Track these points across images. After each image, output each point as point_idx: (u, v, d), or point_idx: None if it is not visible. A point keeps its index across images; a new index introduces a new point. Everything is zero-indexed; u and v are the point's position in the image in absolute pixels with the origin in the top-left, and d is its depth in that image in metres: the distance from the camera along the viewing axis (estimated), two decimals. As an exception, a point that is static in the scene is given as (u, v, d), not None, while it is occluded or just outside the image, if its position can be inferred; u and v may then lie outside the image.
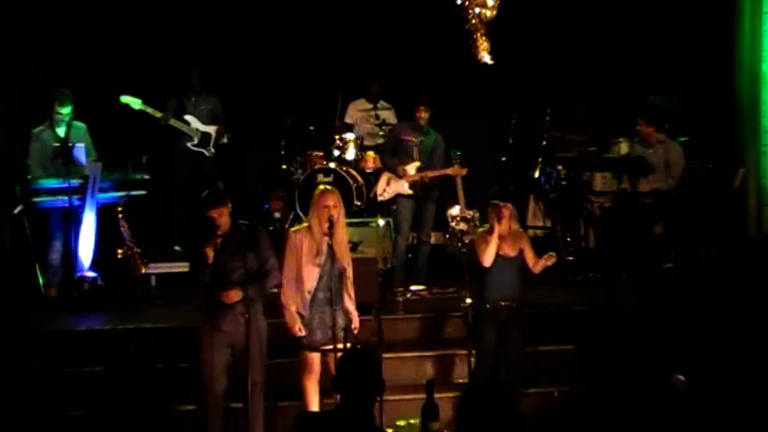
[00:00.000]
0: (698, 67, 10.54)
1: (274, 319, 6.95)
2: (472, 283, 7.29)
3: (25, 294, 8.82)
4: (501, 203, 7.17)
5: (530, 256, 7.29)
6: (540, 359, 7.73)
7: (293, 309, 6.75)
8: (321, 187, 7.11)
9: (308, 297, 6.73)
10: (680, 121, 10.26)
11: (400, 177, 9.21)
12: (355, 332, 6.89)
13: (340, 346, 6.61)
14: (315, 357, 6.81)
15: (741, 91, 9.74)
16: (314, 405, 6.82)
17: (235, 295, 6.49)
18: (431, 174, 9.15)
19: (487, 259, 7.14)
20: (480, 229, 7.37)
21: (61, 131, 8.94)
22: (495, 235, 7.13)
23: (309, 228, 6.83)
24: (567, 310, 8.30)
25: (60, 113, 8.89)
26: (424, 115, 9.12)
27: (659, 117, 9.73)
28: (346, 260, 6.86)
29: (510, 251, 7.21)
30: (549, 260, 7.24)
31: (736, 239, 9.43)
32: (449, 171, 9.15)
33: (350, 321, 6.87)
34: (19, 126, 9.68)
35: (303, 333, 6.74)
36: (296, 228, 7.11)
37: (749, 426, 5.60)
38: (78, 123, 9.05)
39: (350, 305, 6.89)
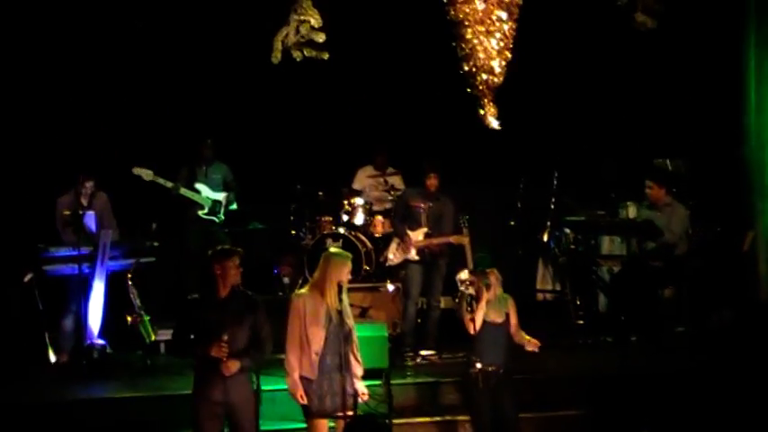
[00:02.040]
0: (704, 131, 10.59)
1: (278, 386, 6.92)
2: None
3: (34, 363, 8.80)
4: (487, 270, 7.20)
5: (514, 322, 7.33)
6: (551, 424, 7.69)
7: (296, 375, 6.68)
8: (338, 251, 7.14)
9: (316, 359, 6.69)
10: (687, 184, 10.28)
11: (407, 245, 9.23)
12: (365, 398, 6.85)
13: (350, 413, 6.56)
14: (323, 424, 6.75)
15: (749, 154, 9.76)
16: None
17: (234, 366, 6.44)
18: (435, 241, 9.16)
19: (475, 326, 7.16)
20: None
21: (85, 201, 9.11)
22: (483, 302, 7.17)
23: (315, 289, 6.80)
24: (577, 374, 8.25)
25: (85, 186, 9.08)
26: (434, 182, 9.17)
27: (668, 179, 9.74)
28: (351, 323, 6.86)
29: (496, 318, 7.26)
30: (532, 346, 7.22)
31: (747, 303, 9.38)
32: (451, 239, 9.16)
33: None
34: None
35: (305, 401, 6.69)
36: (299, 291, 7.09)
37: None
38: (101, 193, 9.27)
39: (357, 370, 6.85)
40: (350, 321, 6.83)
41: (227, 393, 6.44)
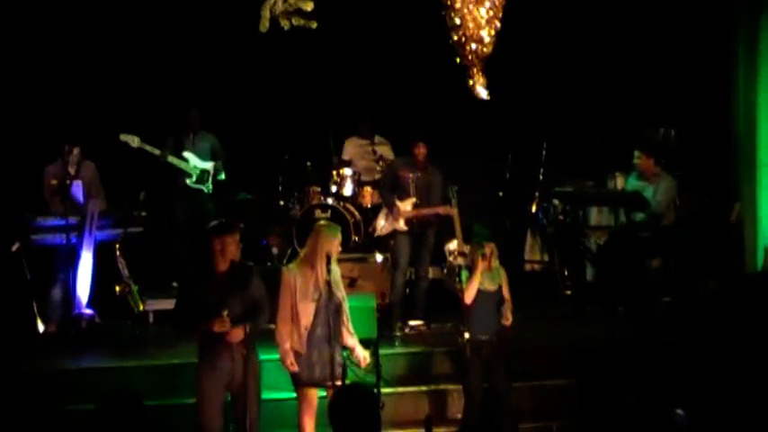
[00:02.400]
0: (693, 102, 10.60)
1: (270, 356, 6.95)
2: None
3: (22, 333, 8.79)
4: (484, 243, 7.24)
5: (506, 295, 7.39)
6: (539, 394, 7.73)
7: (287, 346, 6.73)
8: (328, 224, 7.16)
9: (305, 333, 6.72)
10: (676, 155, 10.30)
11: (395, 216, 9.23)
12: (363, 365, 6.88)
13: (339, 382, 6.60)
14: (313, 394, 6.80)
15: (737, 125, 9.77)
16: (310, 442, 6.79)
17: (238, 335, 6.46)
18: (423, 212, 9.16)
19: (469, 296, 7.20)
20: (464, 272, 7.42)
21: (72, 170, 9.05)
22: (478, 272, 7.21)
23: (306, 262, 6.82)
24: (565, 344, 8.30)
25: (72, 153, 9.04)
26: (422, 151, 9.15)
27: (657, 150, 9.75)
28: (341, 294, 6.87)
29: (490, 286, 7.30)
30: (506, 320, 7.28)
31: (734, 274, 9.43)
32: (439, 210, 9.15)
33: (354, 357, 6.87)
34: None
35: (295, 368, 6.72)
36: (289, 266, 7.10)
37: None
38: (88, 162, 9.23)
39: (350, 340, 6.88)
40: (340, 293, 6.85)
41: (233, 361, 6.46)
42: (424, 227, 9.23)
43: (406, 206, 9.23)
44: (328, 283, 6.70)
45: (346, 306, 6.90)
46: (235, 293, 6.53)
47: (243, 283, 6.59)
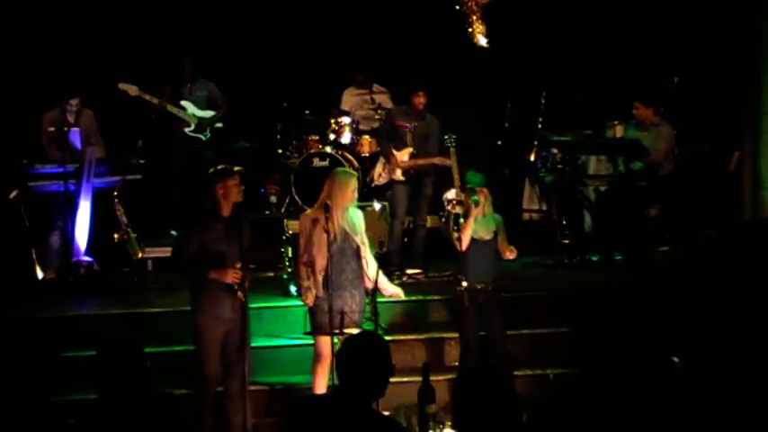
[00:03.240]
0: (692, 51, 10.53)
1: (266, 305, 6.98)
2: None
3: (20, 279, 8.82)
4: (477, 188, 7.23)
5: (501, 239, 7.36)
6: (536, 342, 7.78)
7: (306, 284, 6.77)
8: (344, 170, 7.29)
9: (320, 277, 6.76)
10: (675, 104, 10.26)
11: (392, 166, 9.21)
12: (397, 297, 7.01)
13: (348, 330, 6.61)
14: (325, 341, 6.81)
15: (743, 74, 9.68)
16: (320, 388, 6.84)
17: (246, 279, 6.50)
18: (420, 162, 9.13)
19: (464, 243, 7.20)
20: (461, 220, 7.42)
21: (71, 118, 9.01)
22: (471, 219, 7.21)
23: (321, 208, 6.81)
24: (562, 292, 8.33)
25: (71, 103, 8.97)
26: (422, 100, 9.08)
27: (656, 100, 9.72)
28: (359, 239, 6.88)
29: (485, 235, 7.29)
30: (510, 253, 7.26)
31: (732, 222, 9.44)
32: (435, 160, 9.12)
33: (365, 305, 6.93)
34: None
35: (310, 303, 6.76)
36: (307, 211, 7.12)
37: (744, 409, 5.62)
38: (87, 110, 9.21)
39: (369, 284, 6.91)
40: (358, 238, 6.86)
41: (234, 310, 6.50)
42: (421, 176, 9.21)
43: (402, 156, 9.20)
44: (327, 231, 6.70)
45: (366, 251, 6.92)
46: (236, 241, 6.57)
47: (239, 230, 6.63)
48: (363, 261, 6.92)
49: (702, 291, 7.95)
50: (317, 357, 6.84)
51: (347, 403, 4.38)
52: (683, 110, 10.20)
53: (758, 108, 9.26)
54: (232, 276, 6.46)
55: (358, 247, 6.87)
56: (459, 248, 7.25)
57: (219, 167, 6.78)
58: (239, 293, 6.49)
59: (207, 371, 6.59)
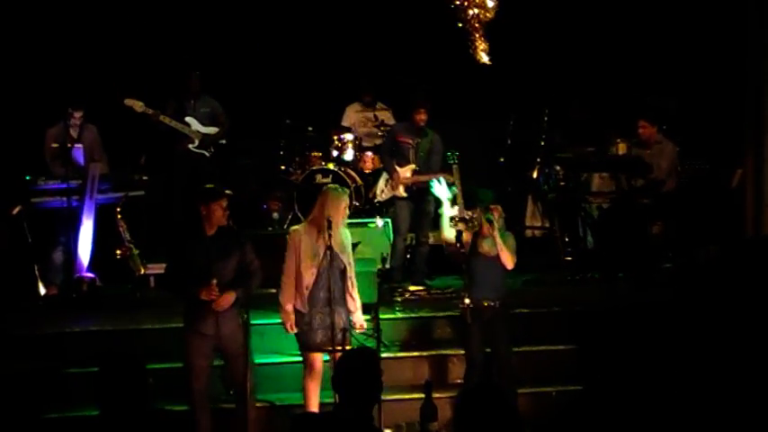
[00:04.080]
0: (694, 69, 10.55)
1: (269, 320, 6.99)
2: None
3: (23, 296, 8.81)
4: (491, 206, 7.21)
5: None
6: (539, 359, 7.76)
7: (289, 308, 6.79)
8: (336, 187, 7.19)
9: (306, 293, 6.76)
10: (677, 122, 10.27)
11: (395, 182, 9.22)
12: (358, 330, 6.91)
13: (340, 348, 6.63)
14: (316, 358, 6.83)
15: (744, 91, 9.69)
16: (314, 406, 6.84)
17: (225, 303, 6.49)
18: (422, 178, 9.13)
19: (507, 261, 7.13)
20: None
21: (74, 133, 9.02)
22: (496, 233, 7.12)
23: (312, 224, 6.82)
24: (565, 310, 8.32)
25: (74, 116, 9.02)
26: (423, 117, 9.09)
27: (659, 117, 9.73)
28: (346, 259, 6.88)
29: (491, 251, 7.21)
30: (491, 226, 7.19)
31: (734, 239, 9.43)
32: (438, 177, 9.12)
33: (352, 321, 6.89)
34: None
35: (293, 331, 6.76)
36: (295, 227, 7.13)
37: (745, 422, 5.61)
38: (90, 125, 9.25)
39: (351, 305, 6.91)
40: (345, 257, 6.87)
41: (218, 327, 6.52)
42: (423, 193, 9.21)
43: (405, 173, 9.22)
44: (329, 248, 6.72)
45: (352, 271, 6.92)
46: (222, 258, 6.57)
47: (231, 248, 6.62)
48: (349, 281, 6.91)
49: (704, 307, 7.95)
50: (307, 373, 6.84)
51: (347, 419, 4.38)
52: (684, 127, 10.22)
53: (760, 125, 9.25)
54: (206, 293, 6.47)
55: (345, 267, 6.87)
56: (463, 265, 7.20)
57: (207, 188, 6.79)
58: (216, 307, 6.47)
59: (194, 385, 6.61)
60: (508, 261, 7.16)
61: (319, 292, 6.77)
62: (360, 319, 6.95)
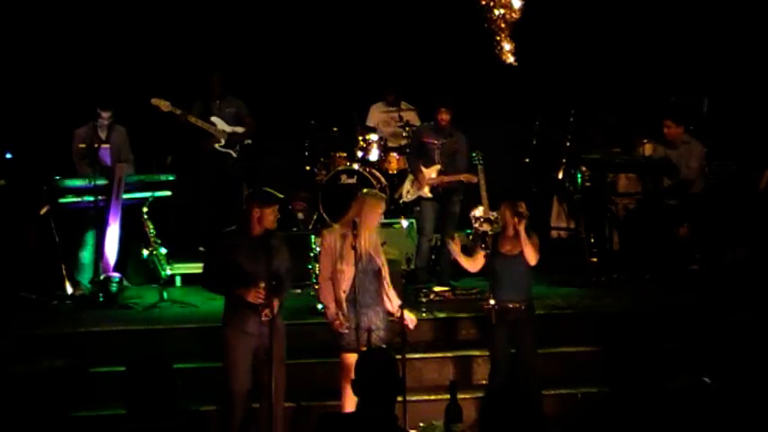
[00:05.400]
0: (721, 69, 10.48)
1: (294, 321, 7.01)
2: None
3: (51, 295, 8.87)
4: (517, 202, 7.18)
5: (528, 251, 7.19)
6: (564, 361, 7.73)
7: (333, 306, 6.81)
8: (374, 192, 7.28)
9: (344, 296, 6.79)
10: (705, 122, 10.21)
11: (420, 182, 9.21)
12: (411, 327, 6.91)
13: (365, 348, 6.62)
14: (352, 358, 6.81)
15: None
16: (350, 407, 6.82)
17: (272, 312, 6.52)
18: (447, 179, 9.12)
19: (531, 258, 7.10)
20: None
21: (102, 134, 9.07)
22: (521, 230, 7.09)
23: (348, 226, 6.83)
24: (591, 311, 8.30)
25: (102, 117, 9.03)
26: (445, 117, 9.08)
27: (686, 118, 9.68)
28: (380, 260, 6.91)
29: (512, 249, 7.18)
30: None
31: (762, 241, 9.36)
32: (462, 177, 9.11)
33: (389, 322, 6.90)
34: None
35: (345, 329, 6.78)
36: (329, 229, 7.15)
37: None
38: (119, 126, 9.26)
39: (390, 305, 6.92)
40: (380, 259, 6.90)
41: (260, 326, 6.53)
42: (449, 193, 9.21)
43: (430, 173, 9.21)
44: (355, 249, 6.73)
45: (386, 272, 6.94)
46: (264, 259, 6.58)
47: (273, 250, 6.64)
48: (385, 282, 6.93)
49: (732, 309, 7.90)
50: (344, 374, 6.84)
51: (372, 420, 4.39)
52: (712, 128, 10.16)
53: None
54: (254, 296, 6.49)
55: (379, 269, 6.89)
56: (488, 266, 7.19)
57: (262, 191, 6.82)
58: (263, 313, 6.51)
59: (234, 386, 6.61)
60: (531, 256, 7.13)
61: (356, 294, 6.77)
62: (408, 316, 6.93)
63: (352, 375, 6.67)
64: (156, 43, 10.45)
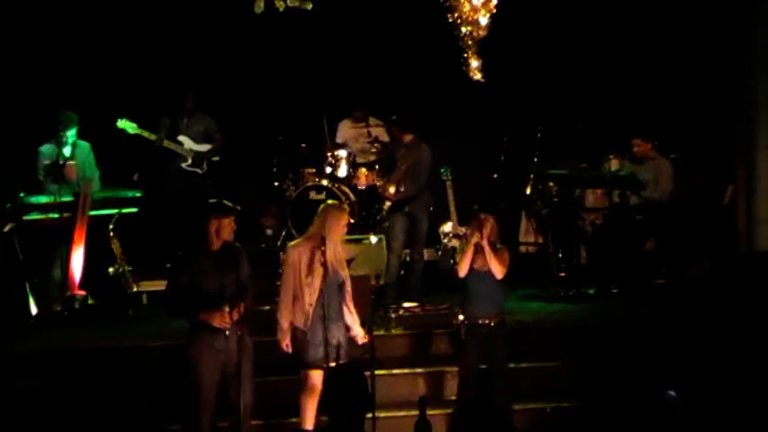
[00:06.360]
0: (686, 86, 10.60)
1: (263, 337, 6.97)
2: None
3: (15, 313, 8.77)
4: (482, 215, 7.17)
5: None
6: (532, 375, 7.74)
7: (286, 325, 6.76)
8: (336, 204, 7.24)
9: (310, 310, 6.73)
10: (669, 138, 10.31)
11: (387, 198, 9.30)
12: (361, 343, 6.88)
13: (334, 363, 6.59)
14: (315, 374, 6.78)
15: (736, 109, 9.73)
16: (310, 423, 6.79)
17: (236, 316, 6.47)
18: (394, 199, 9.23)
19: (461, 269, 7.13)
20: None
21: (66, 151, 9.02)
22: (471, 243, 7.14)
23: (311, 241, 6.81)
24: (560, 325, 8.33)
25: (65, 136, 8.98)
26: (398, 134, 9.12)
27: (653, 134, 9.77)
28: (345, 273, 6.88)
29: (485, 264, 7.17)
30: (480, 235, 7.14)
31: (727, 255, 9.46)
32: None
33: (350, 337, 6.87)
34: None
35: (289, 350, 6.73)
36: (293, 243, 7.12)
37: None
38: (83, 142, 9.20)
39: (348, 318, 6.89)
40: (343, 272, 6.87)
41: (227, 342, 6.47)
42: (418, 211, 9.23)
43: (390, 189, 9.26)
44: (324, 264, 6.70)
45: (349, 286, 6.91)
46: (227, 274, 6.54)
47: (234, 264, 6.60)
48: (347, 296, 6.91)
49: (698, 323, 7.96)
50: (307, 391, 6.80)
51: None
52: (677, 143, 10.26)
53: (751, 142, 9.31)
54: (219, 321, 6.43)
55: (344, 282, 6.87)
56: (458, 276, 7.20)
57: (217, 202, 6.77)
58: (228, 333, 6.46)
59: (200, 403, 6.54)
60: (497, 270, 7.13)
61: (319, 309, 6.74)
62: (360, 332, 6.92)
63: (315, 392, 6.72)
64: (123, 58, 10.40)
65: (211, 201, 6.91)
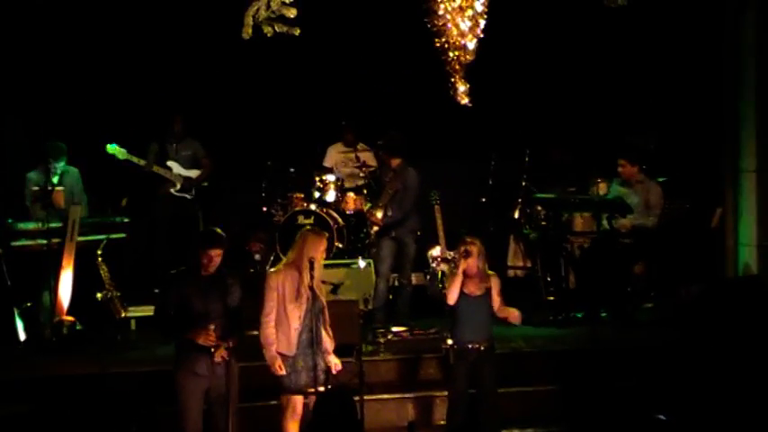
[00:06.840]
0: (674, 109, 10.65)
1: (250, 363, 6.95)
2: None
3: (2, 339, 8.73)
4: (468, 240, 7.18)
5: (495, 297, 7.25)
6: (520, 400, 7.73)
7: (274, 350, 6.74)
8: (314, 229, 7.20)
9: (295, 335, 6.73)
10: (657, 161, 10.35)
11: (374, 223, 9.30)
12: (334, 371, 6.87)
13: (323, 388, 6.58)
14: (298, 400, 6.77)
15: (721, 133, 9.79)
16: (293, 449, 6.77)
17: (224, 353, 6.46)
18: (381, 224, 9.23)
19: (450, 296, 7.14)
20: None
21: (55, 178, 9.05)
22: (460, 270, 7.15)
23: (292, 266, 6.81)
24: (547, 350, 8.32)
25: (55, 167, 9.00)
26: (391, 161, 9.18)
27: (640, 157, 9.81)
28: (323, 298, 6.90)
29: (475, 290, 7.18)
30: (514, 318, 7.24)
31: (715, 279, 9.47)
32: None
33: (346, 363, 6.88)
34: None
35: (284, 372, 6.72)
36: (275, 268, 7.11)
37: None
38: (71, 168, 9.20)
39: (329, 345, 6.89)
40: (323, 297, 6.86)
41: (212, 368, 6.46)
42: (404, 235, 9.24)
43: (378, 214, 9.27)
44: (311, 288, 6.71)
45: (326, 311, 6.91)
46: (217, 300, 6.54)
47: (224, 290, 6.60)
48: (326, 321, 6.91)
49: (688, 347, 7.96)
50: (288, 416, 6.78)
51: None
52: (665, 167, 10.30)
53: (738, 165, 9.35)
54: (204, 338, 6.43)
55: (323, 307, 6.87)
56: (447, 303, 7.20)
57: (207, 233, 6.76)
58: (217, 354, 6.44)
59: (186, 428, 6.52)
60: (515, 319, 7.21)
61: (303, 334, 6.73)
62: (335, 359, 6.90)
63: (298, 416, 6.70)
64: (111, 83, 10.41)
65: (205, 230, 6.92)
